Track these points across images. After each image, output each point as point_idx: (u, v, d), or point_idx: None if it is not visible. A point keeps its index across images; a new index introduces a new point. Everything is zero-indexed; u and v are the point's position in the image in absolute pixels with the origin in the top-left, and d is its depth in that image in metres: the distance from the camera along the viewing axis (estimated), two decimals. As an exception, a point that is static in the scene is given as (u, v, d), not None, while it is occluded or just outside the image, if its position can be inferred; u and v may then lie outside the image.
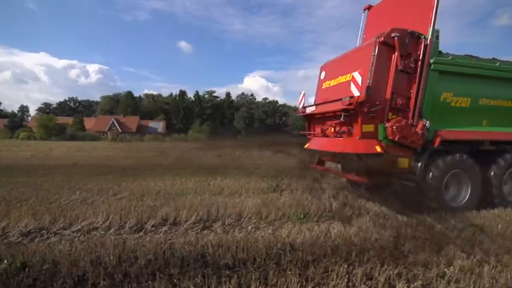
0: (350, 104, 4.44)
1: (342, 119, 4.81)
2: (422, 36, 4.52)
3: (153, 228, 3.95)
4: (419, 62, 4.48)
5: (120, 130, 60.38)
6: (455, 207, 4.80)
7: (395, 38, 4.41)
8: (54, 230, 3.77)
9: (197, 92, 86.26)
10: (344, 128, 4.98)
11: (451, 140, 4.69)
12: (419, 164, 4.63)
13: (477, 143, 5.01)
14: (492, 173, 5.03)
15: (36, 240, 3.45)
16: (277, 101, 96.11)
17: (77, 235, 3.67)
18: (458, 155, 4.82)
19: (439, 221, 4.26)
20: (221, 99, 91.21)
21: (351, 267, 2.80)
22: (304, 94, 6.49)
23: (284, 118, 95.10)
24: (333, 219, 4.58)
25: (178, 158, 16.34)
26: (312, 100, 6.51)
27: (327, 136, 5.41)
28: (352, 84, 4.48)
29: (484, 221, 4.40)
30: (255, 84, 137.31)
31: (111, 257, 2.86)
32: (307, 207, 4.94)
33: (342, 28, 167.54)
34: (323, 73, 6.34)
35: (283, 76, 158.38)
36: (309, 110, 6.17)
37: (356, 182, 4.75)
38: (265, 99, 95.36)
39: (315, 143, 5.42)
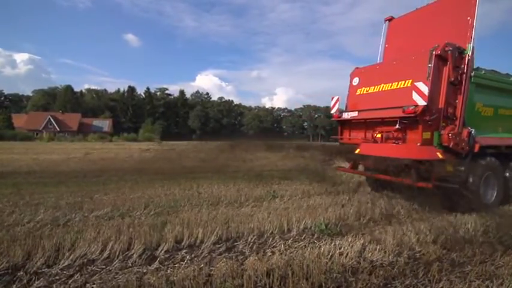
0: (414, 112, 4.57)
1: (397, 126, 4.92)
2: (465, 52, 4.86)
3: (167, 255, 3.21)
4: (464, 75, 4.81)
5: (58, 129, 53.81)
6: (487, 204, 5.27)
7: (449, 52, 4.70)
8: (35, 268, 2.81)
9: (148, 88, 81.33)
10: (399, 135, 5.05)
11: (485, 145, 5.05)
12: (463, 167, 4.93)
13: (496, 147, 5.44)
14: (508, 174, 5.67)
15: (14, 286, 2.49)
16: (232, 101, 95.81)
17: (69, 273, 2.78)
18: (491, 158, 5.30)
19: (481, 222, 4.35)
20: (174, 97, 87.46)
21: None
22: (338, 99, 6.38)
23: (239, 118, 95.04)
24: (355, 228, 4.34)
25: (141, 161, 14.92)
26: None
27: (376, 142, 5.38)
28: (414, 93, 4.60)
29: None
30: (208, 83, 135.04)
31: (144, 307, 2.14)
32: (324, 217, 4.63)
33: (293, 32, 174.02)
34: (356, 79, 6.30)
35: (236, 76, 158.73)
36: (347, 115, 6.08)
37: (420, 187, 4.90)
38: (221, 98, 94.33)
39: (368, 148, 5.34)
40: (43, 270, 2.81)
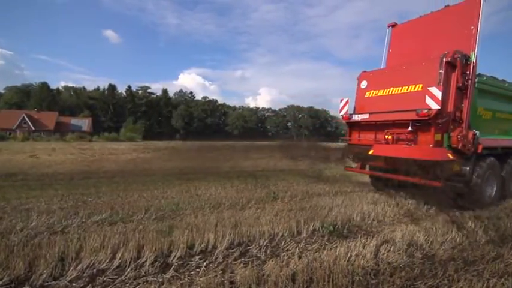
0: (428, 115, 4.74)
1: (410, 128, 5.08)
2: (471, 59, 5.11)
3: (181, 262, 3.08)
4: (469, 81, 5.05)
5: (33, 128, 51.15)
6: (488, 202, 5.59)
7: (458, 58, 4.93)
8: (40, 281, 2.60)
9: (129, 87, 78.92)
10: (411, 136, 5.19)
11: (487, 146, 5.33)
12: (468, 167, 5.19)
13: (493, 148, 5.71)
14: (504, 172, 6.01)
15: (20, 303, 2.29)
16: (216, 100, 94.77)
17: (79, 285, 2.59)
18: (492, 158, 5.60)
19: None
20: (157, 95, 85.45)
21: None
22: (347, 101, 6.45)
23: (224, 118, 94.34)
24: (362, 229, 4.37)
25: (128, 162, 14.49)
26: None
27: (388, 143, 5.50)
28: (428, 97, 4.76)
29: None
30: (191, 82, 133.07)
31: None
32: (331, 218, 4.63)
33: (276, 33, 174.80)
34: (364, 82, 6.40)
35: (220, 75, 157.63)
36: (358, 117, 6.15)
37: (426, 186, 5.21)
38: (205, 97, 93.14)
39: (381, 150, 5.45)
40: (50, 283, 2.61)
